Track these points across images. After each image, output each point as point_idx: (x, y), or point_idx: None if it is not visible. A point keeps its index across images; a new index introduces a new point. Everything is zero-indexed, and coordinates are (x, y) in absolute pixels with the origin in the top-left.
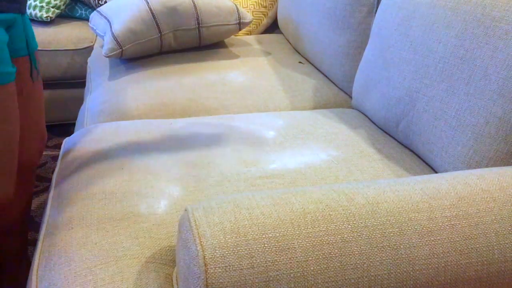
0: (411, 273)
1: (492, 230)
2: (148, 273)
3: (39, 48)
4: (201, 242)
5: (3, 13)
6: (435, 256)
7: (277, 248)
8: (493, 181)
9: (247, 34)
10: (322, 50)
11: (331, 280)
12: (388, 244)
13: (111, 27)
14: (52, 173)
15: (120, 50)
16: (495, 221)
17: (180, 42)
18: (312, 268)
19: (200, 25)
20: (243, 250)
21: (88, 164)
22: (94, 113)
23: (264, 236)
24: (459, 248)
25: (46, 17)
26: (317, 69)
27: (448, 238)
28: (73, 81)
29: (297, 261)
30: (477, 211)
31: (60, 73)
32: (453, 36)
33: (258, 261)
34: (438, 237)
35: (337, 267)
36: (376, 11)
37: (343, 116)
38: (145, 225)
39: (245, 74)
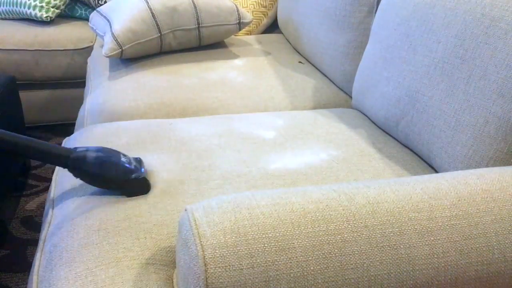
0: (411, 273)
1: (492, 230)
2: (149, 275)
3: (39, 48)
4: (201, 242)
5: None
6: (435, 256)
7: (277, 248)
8: (493, 181)
9: (247, 34)
10: (322, 50)
11: (331, 280)
12: (388, 244)
13: (111, 27)
14: (52, 173)
15: (120, 50)
16: (495, 221)
17: (180, 42)
18: (312, 268)
19: (200, 25)
20: (243, 250)
21: None
22: (94, 113)
23: (264, 236)
24: (459, 248)
25: (46, 17)
26: (317, 69)
27: (448, 238)
28: (73, 81)
29: (297, 261)
30: (477, 211)
31: (60, 73)
32: (453, 36)
33: (258, 261)
34: (438, 237)
35: (337, 267)
36: (376, 11)
37: (343, 116)
38: (146, 225)
39: (245, 74)
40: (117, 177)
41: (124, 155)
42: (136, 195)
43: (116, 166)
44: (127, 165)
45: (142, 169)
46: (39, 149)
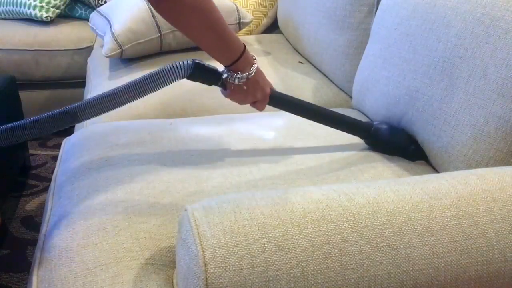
0: (411, 273)
1: (492, 230)
2: (148, 275)
3: (39, 48)
4: (201, 242)
5: None
6: (435, 256)
7: (277, 248)
8: (493, 181)
9: (247, 34)
10: (322, 50)
11: (331, 280)
12: (388, 244)
13: (111, 27)
14: (52, 173)
15: (120, 50)
16: (495, 221)
17: (180, 42)
18: (312, 268)
19: None
20: (243, 250)
21: (88, 164)
22: None
23: (264, 236)
24: (459, 248)
25: (46, 17)
26: (317, 69)
27: (448, 238)
28: (73, 81)
29: (297, 261)
30: (477, 211)
31: (60, 73)
32: (453, 36)
33: (258, 261)
34: (438, 237)
35: (337, 267)
36: (376, 11)
37: None
38: (146, 225)
39: None
40: (406, 145)
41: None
42: (417, 159)
43: (402, 136)
44: (408, 135)
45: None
46: (350, 123)
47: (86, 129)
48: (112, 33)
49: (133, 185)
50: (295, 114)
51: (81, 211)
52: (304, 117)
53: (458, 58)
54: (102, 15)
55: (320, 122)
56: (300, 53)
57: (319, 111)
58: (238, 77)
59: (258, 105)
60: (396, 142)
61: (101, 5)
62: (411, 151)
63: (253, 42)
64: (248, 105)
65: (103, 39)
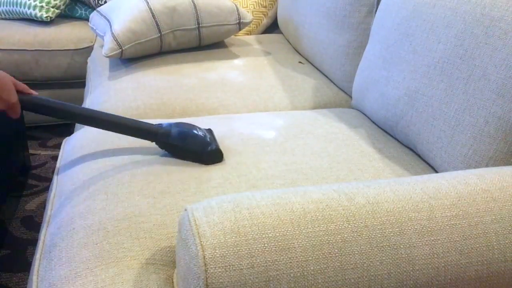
0: (411, 273)
1: (492, 230)
2: (149, 275)
3: (39, 48)
4: (201, 241)
5: None
6: (435, 256)
7: (277, 248)
8: (493, 181)
9: (247, 34)
10: (322, 50)
11: (331, 280)
12: (388, 244)
13: (111, 27)
14: (52, 173)
15: (120, 50)
16: (495, 221)
17: (180, 42)
18: (312, 268)
19: (200, 25)
20: (243, 250)
21: (89, 164)
22: None
23: (264, 236)
24: (459, 248)
25: (46, 17)
26: (317, 69)
27: (448, 237)
28: (73, 81)
29: (297, 261)
30: (477, 211)
31: (60, 73)
32: (453, 36)
33: (258, 261)
34: (438, 237)
35: (337, 267)
36: (376, 11)
37: (343, 116)
38: (146, 225)
39: (245, 74)
40: (197, 150)
41: (200, 129)
42: (212, 164)
43: (195, 140)
44: (204, 139)
45: (215, 142)
46: (133, 126)
47: (86, 129)
48: (112, 33)
49: (133, 185)
50: (74, 121)
51: (81, 211)
52: (83, 123)
53: (458, 59)
54: (102, 15)
55: (102, 128)
56: (300, 53)
57: (98, 117)
58: None
59: (8, 113)
60: (187, 146)
61: (101, 5)
62: (205, 155)
63: (253, 42)
64: (248, 105)
65: (103, 39)
